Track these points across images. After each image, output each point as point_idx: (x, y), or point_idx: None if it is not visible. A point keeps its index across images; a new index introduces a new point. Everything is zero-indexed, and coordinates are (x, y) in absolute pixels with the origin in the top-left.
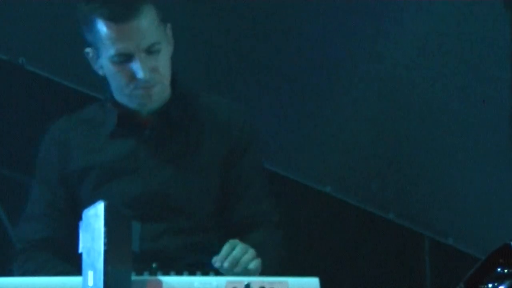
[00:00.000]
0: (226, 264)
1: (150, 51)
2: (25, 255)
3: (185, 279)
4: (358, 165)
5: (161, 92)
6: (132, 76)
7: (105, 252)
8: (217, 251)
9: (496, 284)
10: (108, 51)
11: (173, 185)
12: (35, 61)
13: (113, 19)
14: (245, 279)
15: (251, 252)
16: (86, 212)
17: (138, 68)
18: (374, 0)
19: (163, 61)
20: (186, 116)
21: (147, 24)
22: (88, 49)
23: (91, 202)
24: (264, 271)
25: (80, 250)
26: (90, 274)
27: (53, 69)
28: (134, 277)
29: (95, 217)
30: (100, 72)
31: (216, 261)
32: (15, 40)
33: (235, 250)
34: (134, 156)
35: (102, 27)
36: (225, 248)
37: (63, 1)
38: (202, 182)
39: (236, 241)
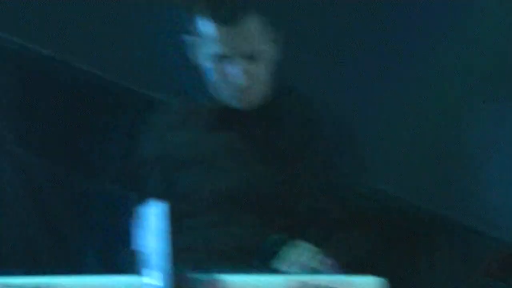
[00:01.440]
0: (292, 268)
1: (250, 57)
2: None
3: (248, 277)
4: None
5: (255, 95)
6: (227, 77)
7: (169, 252)
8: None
9: None
10: (207, 49)
11: (265, 180)
12: (80, 56)
13: (217, 20)
14: (308, 278)
15: (319, 256)
16: (145, 210)
17: (233, 71)
18: None
19: (262, 67)
20: (282, 112)
21: (251, 30)
22: (188, 37)
23: (186, 195)
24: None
25: (138, 248)
26: (152, 274)
27: (102, 66)
28: (197, 276)
29: (158, 216)
30: (197, 63)
31: (283, 265)
32: (63, 36)
33: (302, 256)
34: (228, 150)
35: (206, 25)
36: (291, 251)
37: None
38: (295, 178)
39: (305, 244)
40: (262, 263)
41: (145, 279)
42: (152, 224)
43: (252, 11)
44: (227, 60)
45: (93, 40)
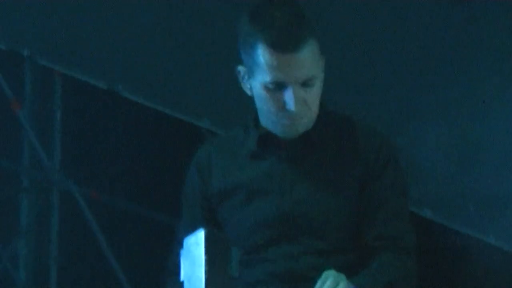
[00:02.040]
0: None
1: (305, 84)
2: (173, 278)
3: None
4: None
5: (307, 123)
6: (282, 105)
7: (206, 279)
8: (355, 274)
9: None
10: (264, 77)
11: (310, 206)
12: (132, 88)
13: (276, 47)
14: None
15: (343, 284)
16: (187, 239)
17: (290, 99)
18: None
19: (315, 94)
20: (325, 137)
21: (309, 57)
22: (240, 67)
23: (230, 223)
24: None
25: (181, 278)
26: None
27: (147, 95)
28: None
29: (195, 245)
30: (248, 92)
31: None
32: (112, 69)
33: (325, 284)
34: (273, 177)
35: (263, 52)
36: (318, 282)
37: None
38: (338, 203)
39: (331, 272)
40: None
41: None
42: (189, 252)
43: (308, 36)
44: (281, 87)
45: (147, 74)
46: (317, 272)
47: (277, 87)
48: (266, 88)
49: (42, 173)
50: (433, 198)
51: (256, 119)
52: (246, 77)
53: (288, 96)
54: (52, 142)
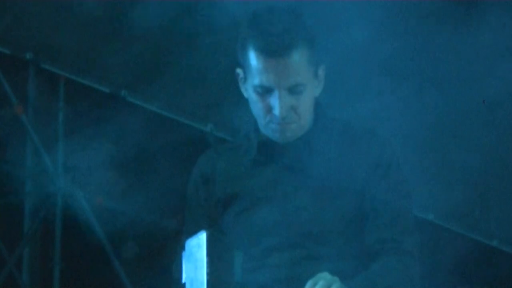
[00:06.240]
0: None
1: (293, 90)
2: (177, 285)
3: None
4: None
5: (297, 129)
6: (270, 110)
7: (208, 282)
8: None
9: None
10: (253, 80)
11: (313, 212)
12: (136, 93)
13: (264, 51)
14: None
15: (335, 287)
16: (189, 241)
17: (276, 104)
18: None
19: (305, 102)
20: (326, 143)
21: (296, 64)
22: (238, 70)
23: (234, 230)
24: None
25: (183, 280)
26: None
27: (151, 99)
28: None
29: (197, 247)
30: (245, 95)
31: None
32: (116, 73)
33: (316, 285)
34: (274, 184)
35: (252, 56)
36: (308, 283)
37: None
38: (341, 209)
39: (323, 274)
40: None
41: None
42: (191, 254)
43: (299, 44)
44: (269, 91)
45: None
46: None
47: (265, 91)
48: (256, 91)
49: (46, 178)
50: (437, 202)
51: (256, 125)
52: (242, 79)
53: (274, 100)
54: (56, 146)
